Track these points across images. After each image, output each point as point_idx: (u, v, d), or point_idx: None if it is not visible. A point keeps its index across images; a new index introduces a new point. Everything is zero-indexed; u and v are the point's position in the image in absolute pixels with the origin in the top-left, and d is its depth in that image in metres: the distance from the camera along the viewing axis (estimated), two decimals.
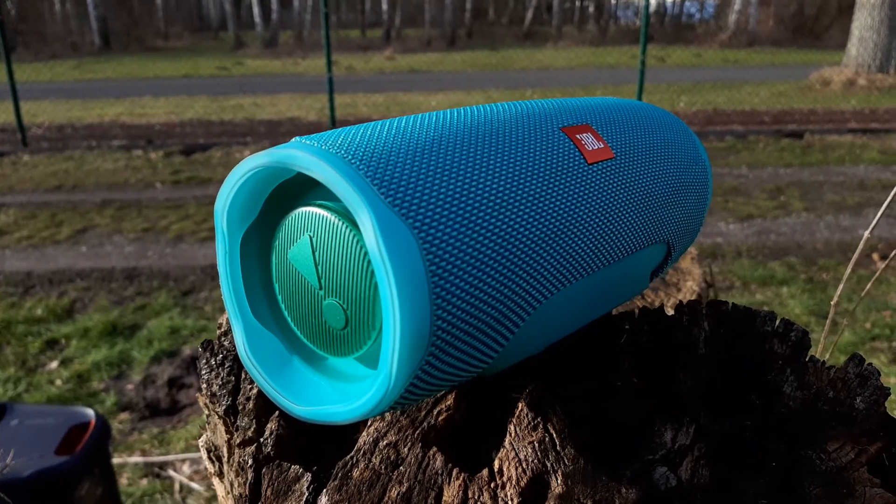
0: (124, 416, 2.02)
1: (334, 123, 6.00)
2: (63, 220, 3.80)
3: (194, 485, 1.71)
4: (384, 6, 21.36)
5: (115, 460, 1.71)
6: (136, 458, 1.81)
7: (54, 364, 2.27)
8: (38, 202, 4.17)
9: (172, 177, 4.75)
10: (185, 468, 1.78)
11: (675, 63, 12.06)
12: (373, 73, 11.49)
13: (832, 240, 3.33)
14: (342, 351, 0.33)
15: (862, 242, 0.67)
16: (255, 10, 20.86)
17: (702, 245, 3.27)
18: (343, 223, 0.31)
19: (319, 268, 0.32)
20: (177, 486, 1.71)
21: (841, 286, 0.69)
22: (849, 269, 0.60)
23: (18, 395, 2.07)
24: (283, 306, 0.35)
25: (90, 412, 1.37)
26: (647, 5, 5.71)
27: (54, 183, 4.64)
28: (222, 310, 2.66)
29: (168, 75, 11.46)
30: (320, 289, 0.33)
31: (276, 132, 6.24)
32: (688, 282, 0.80)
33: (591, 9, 22.84)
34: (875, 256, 3.05)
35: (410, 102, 7.80)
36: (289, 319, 0.35)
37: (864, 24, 8.68)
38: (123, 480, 1.72)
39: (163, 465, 1.79)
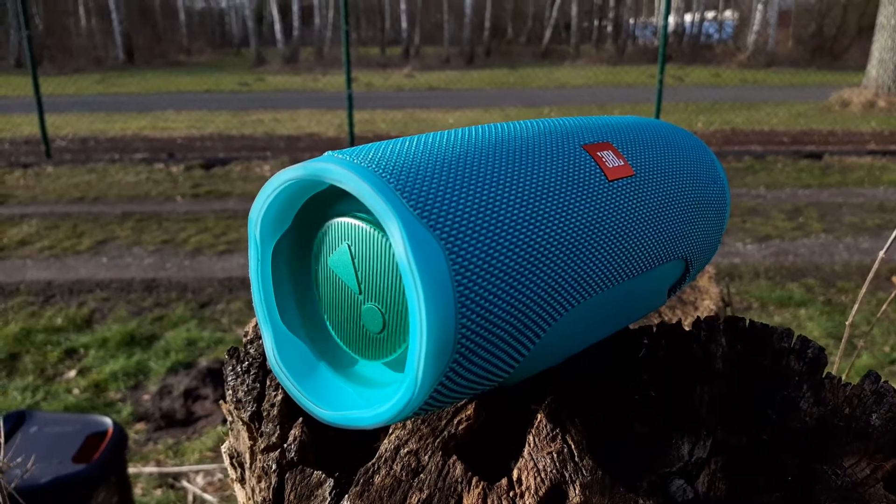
0: (140, 426, 2.03)
1: (353, 139, 6.05)
2: (84, 231, 3.86)
3: (207, 496, 1.72)
4: (404, 24, 21.56)
5: (130, 470, 1.72)
6: (151, 469, 1.82)
7: (72, 373, 2.30)
8: (61, 213, 4.24)
9: (192, 190, 4.81)
10: (199, 479, 1.79)
11: (694, 82, 12.05)
12: (392, 90, 11.58)
13: (851, 262, 3.30)
14: (378, 354, 0.35)
15: (877, 263, 0.67)
16: (277, 26, 21.13)
17: (719, 265, 3.25)
18: (379, 233, 0.32)
19: (359, 274, 0.34)
20: (190, 498, 1.72)
21: (856, 307, 0.69)
22: (863, 290, 0.60)
23: (36, 404, 2.10)
24: (323, 311, 0.37)
25: (108, 420, 1.38)
26: (666, 25, 5.73)
27: (77, 194, 4.71)
28: (239, 322, 2.68)
29: (190, 90, 11.62)
30: (360, 293, 0.34)
31: (296, 147, 6.31)
32: (705, 300, 0.80)
33: (609, 28, 22.91)
34: (895, 280, 3.02)
35: (428, 119, 7.85)
36: (328, 323, 0.37)
37: (884, 46, 8.64)
38: (138, 490, 1.74)
39: (177, 476, 1.80)
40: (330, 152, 0.32)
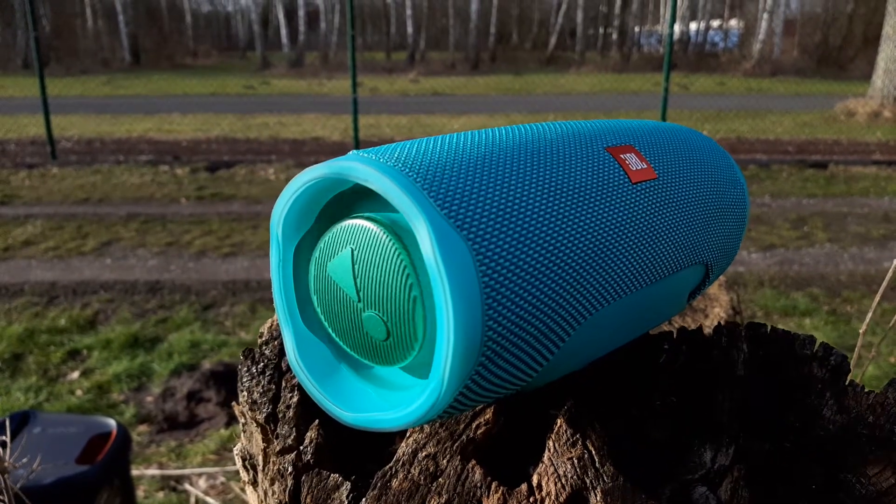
0: (143, 428, 2.03)
1: (358, 144, 6.06)
2: (89, 233, 3.86)
3: (210, 500, 1.72)
4: (409, 29, 21.61)
5: (133, 472, 1.72)
6: (154, 471, 1.82)
7: (75, 374, 2.30)
8: (66, 214, 4.24)
9: (197, 192, 4.81)
10: (202, 482, 1.79)
11: (699, 91, 12.06)
12: (397, 95, 11.61)
13: (856, 272, 3.29)
14: (388, 361, 0.34)
15: (892, 269, 0.67)
16: (283, 31, 21.20)
17: (725, 273, 3.24)
18: (387, 235, 0.31)
19: (358, 281, 0.33)
20: (192, 501, 1.71)
21: (869, 315, 0.68)
22: (878, 296, 0.60)
23: (39, 404, 2.10)
24: (322, 318, 0.36)
25: (112, 422, 1.38)
26: (671, 33, 5.73)
27: (82, 195, 4.72)
28: (242, 325, 2.68)
29: (196, 93, 11.66)
30: (359, 301, 0.33)
31: (300, 151, 6.31)
32: (715, 308, 0.80)
33: (615, 35, 22.95)
34: None
35: (433, 124, 7.86)
36: (330, 331, 0.36)
37: (889, 56, 8.64)
38: (140, 493, 1.73)
39: (179, 479, 1.80)
40: (355, 151, 0.32)
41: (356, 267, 0.33)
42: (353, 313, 0.34)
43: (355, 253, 0.33)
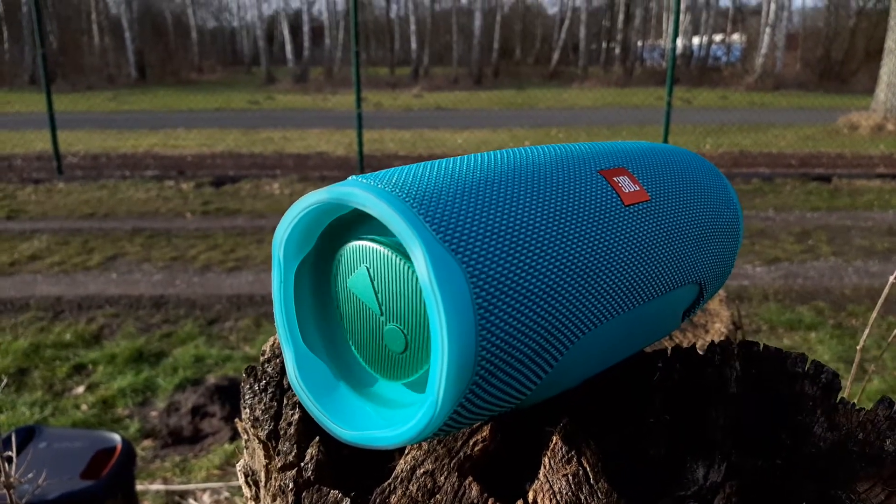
0: (147, 443, 2.03)
1: (362, 158, 6.09)
2: (94, 247, 3.88)
3: None
4: (413, 45, 21.75)
5: (138, 487, 1.72)
6: (158, 486, 1.82)
7: (81, 389, 2.31)
8: (71, 229, 4.27)
9: (202, 207, 4.84)
10: (206, 498, 1.79)
11: (702, 105, 12.09)
12: (401, 110, 11.66)
13: (861, 285, 3.29)
14: (400, 374, 0.35)
15: (888, 287, 0.67)
16: (287, 46, 21.35)
17: (728, 287, 3.24)
18: (397, 256, 0.33)
19: (379, 295, 0.34)
20: None
21: (867, 331, 0.69)
22: (875, 313, 0.60)
23: (44, 419, 2.10)
24: (346, 331, 0.37)
25: (116, 437, 1.39)
26: (674, 48, 5.76)
27: (87, 210, 4.75)
28: (247, 339, 2.69)
29: (201, 108, 11.73)
30: (381, 314, 0.35)
31: (305, 165, 6.35)
32: (716, 323, 0.81)
33: (617, 50, 23.05)
34: None
35: (437, 139, 7.89)
36: (351, 344, 0.38)
37: (892, 70, 8.66)
38: None
39: (183, 494, 1.80)
40: (354, 177, 0.33)
41: (375, 283, 0.34)
42: (375, 326, 0.35)
43: (371, 271, 0.34)
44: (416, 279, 0.32)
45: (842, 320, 2.87)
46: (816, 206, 4.89)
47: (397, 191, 0.31)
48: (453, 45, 22.79)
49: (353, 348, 0.37)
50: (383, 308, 0.34)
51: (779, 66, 17.47)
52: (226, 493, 1.79)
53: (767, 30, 17.17)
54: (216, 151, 7.17)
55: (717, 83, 16.65)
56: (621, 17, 22.85)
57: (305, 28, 21.70)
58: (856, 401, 0.68)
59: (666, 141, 5.99)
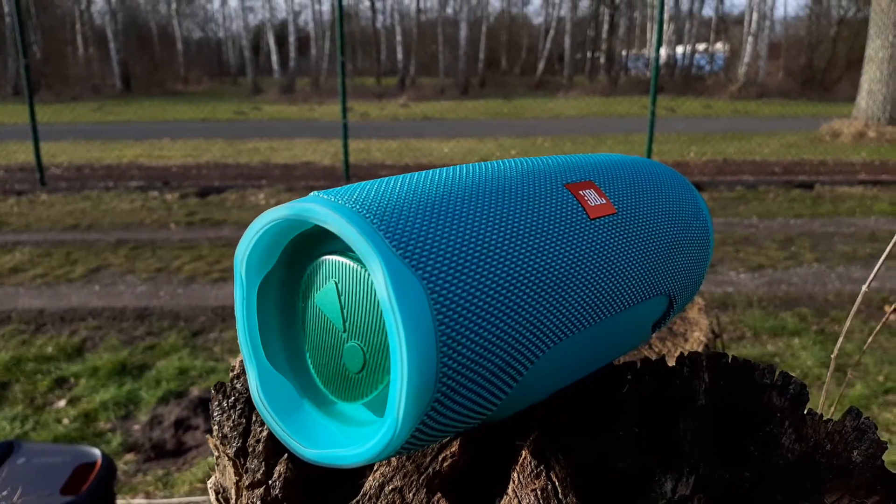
0: (130, 456, 2.01)
1: (348, 168, 6.08)
2: (78, 259, 3.85)
3: None
4: (399, 55, 21.80)
5: (119, 502, 1.70)
6: (140, 500, 1.80)
7: (62, 403, 2.28)
8: (54, 241, 4.23)
9: (187, 218, 4.81)
10: None
11: (686, 113, 12.19)
12: (387, 120, 11.67)
13: (844, 291, 3.32)
14: (354, 395, 0.35)
15: (860, 296, 0.68)
16: (274, 57, 21.34)
17: (713, 294, 3.26)
18: (365, 271, 0.33)
19: (345, 311, 0.34)
20: None
21: (840, 338, 0.69)
22: (849, 321, 0.61)
23: (25, 433, 2.08)
24: (307, 349, 0.37)
25: (96, 452, 1.37)
26: (658, 57, 5.81)
27: (70, 222, 4.71)
28: (232, 351, 2.67)
29: (187, 118, 11.69)
30: (344, 331, 0.34)
31: (291, 175, 6.33)
32: (695, 332, 0.81)
33: (602, 60, 23.20)
34: (887, 308, 3.03)
35: (424, 149, 7.90)
36: (309, 362, 0.37)
37: (873, 77, 8.78)
38: None
39: None
40: (315, 193, 0.33)
41: (342, 298, 0.34)
42: (336, 344, 0.35)
43: (339, 286, 0.34)
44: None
45: (825, 326, 2.89)
46: (799, 212, 4.93)
47: (357, 207, 0.31)
48: (439, 55, 22.87)
49: (311, 367, 0.37)
50: (347, 325, 0.34)
51: (762, 75, 17.65)
52: None
53: (750, 39, 17.36)
54: (201, 162, 7.14)
55: (700, 92, 16.79)
56: (606, 26, 23.02)
57: (291, 38, 21.70)
58: (834, 406, 0.68)
59: (650, 149, 6.02)
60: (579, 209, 0.37)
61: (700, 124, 9.97)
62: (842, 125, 8.82)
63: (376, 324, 0.33)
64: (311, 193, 0.33)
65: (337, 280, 0.34)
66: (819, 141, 8.51)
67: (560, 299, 0.34)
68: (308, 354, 0.37)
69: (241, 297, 0.37)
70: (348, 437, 0.35)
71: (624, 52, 23.98)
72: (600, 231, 0.38)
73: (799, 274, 3.59)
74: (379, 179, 0.35)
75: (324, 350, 0.36)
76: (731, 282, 3.47)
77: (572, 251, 0.35)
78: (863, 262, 3.78)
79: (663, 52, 19.81)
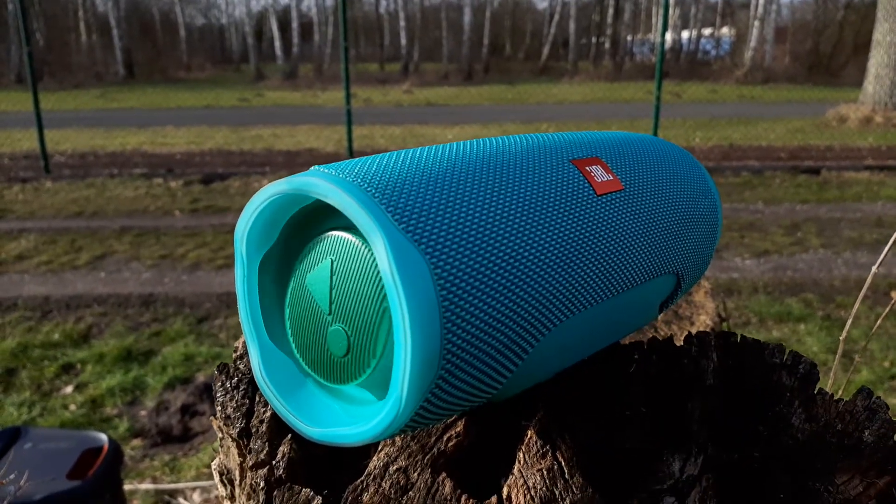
0: (136, 442, 2.02)
1: (352, 154, 6.07)
2: (82, 246, 3.86)
3: None
4: (403, 41, 21.69)
5: (126, 487, 1.71)
6: (147, 485, 1.81)
7: (69, 389, 2.29)
8: (59, 228, 4.24)
9: (191, 205, 4.81)
10: (196, 497, 1.78)
11: (691, 99, 12.11)
12: (391, 106, 11.63)
13: (850, 277, 3.30)
14: (341, 378, 0.34)
15: (869, 278, 0.67)
16: (277, 43, 21.26)
17: (717, 280, 3.25)
18: (366, 246, 0.32)
19: (333, 292, 0.33)
20: None
21: (849, 322, 0.69)
22: (857, 305, 0.60)
23: (32, 419, 2.09)
24: (289, 331, 0.36)
25: (103, 437, 1.37)
26: (663, 42, 5.76)
27: (75, 209, 4.71)
28: (237, 337, 2.67)
29: (190, 106, 11.67)
30: (329, 314, 0.34)
31: (294, 162, 6.32)
32: (701, 315, 0.80)
33: (607, 45, 23.05)
34: (894, 294, 3.01)
35: (427, 135, 7.88)
36: (292, 345, 0.37)
37: (880, 62, 8.70)
38: None
39: (173, 493, 1.79)
40: (316, 167, 0.32)
41: (334, 278, 0.33)
42: (320, 327, 0.34)
43: (335, 264, 0.33)
44: (377, 273, 0.31)
45: (830, 312, 2.88)
46: (805, 198, 4.90)
47: (359, 181, 0.30)
48: (443, 40, 22.75)
49: (294, 351, 0.36)
50: (333, 307, 0.33)
51: (768, 60, 17.51)
52: (215, 492, 1.78)
53: (756, 23, 17.21)
54: (205, 149, 7.13)
55: (706, 77, 16.68)
56: (611, 11, 22.86)
57: (294, 24, 21.60)
58: (840, 391, 0.68)
59: (655, 135, 5.99)
60: (586, 185, 0.37)
61: (705, 109, 9.91)
62: (848, 110, 8.76)
63: (365, 306, 0.32)
64: (312, 168, 0.32)
65: (334, 257, 0.33)
66: (825, 126, 8.45)
67: (566, 276, 0.34)
68: (291, 338, 0.36)
69: (242, 274, 0.36)
70: (351, 415, 0.35)
71: (629, 37, 23.80)
72: (607, 207, 0.37)
73: (805, 260, 3.58)
74: (381, 154, 0.34)
75: (307, 333, 0.35)
76: (736, 267, 3.46)
77: (579, 227, 0.35)
78: (869, 247, 3.76)
79: (669, 36, 19.67)
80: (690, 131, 7.86)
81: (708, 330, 0.76)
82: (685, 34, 22.33)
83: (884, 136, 7.58)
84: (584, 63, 22.27)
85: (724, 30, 23.00)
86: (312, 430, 0.34)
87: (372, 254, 0.31)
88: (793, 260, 3.58)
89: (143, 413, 2.15)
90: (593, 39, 23.84)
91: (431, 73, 19.32)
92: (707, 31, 23.28)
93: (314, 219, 0.36)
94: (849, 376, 0.74)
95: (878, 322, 0.65)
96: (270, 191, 0.33)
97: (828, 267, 3.46)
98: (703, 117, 8.92)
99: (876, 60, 8.77)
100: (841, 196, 4.95)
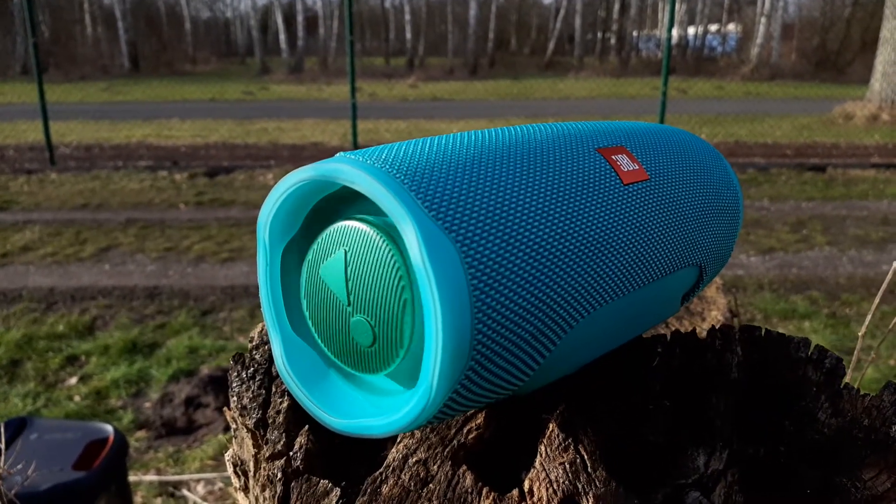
0: (141, 434, 2.02)
1: (356, 148, 6.06)
2: (87, 238, 3.86)
3: None
4: (408, 35, 21.66)
5: (131, 478, 1.71)
6: (151, 477, 1.81)
7: (74, 380, 2.29)
8: (64, 220, 4.24)
9: (196, 198, 4.81)
10: (200, 488, 1.78)
11: (697, 95, 12.08)
12: (396, 101, 11.61)
13: (855, 274, 3.29)
14: (370, 368, 0.33)
15: (890, 273, 0.67)
16: (282, 36, 21.24)
17: (723, 276, 3.24)
18: (381, 237, 0.31)
19: (350, 283, 0.32)
20: None
21: (868, 318, 0.68)
22: (878, 299, 0.60)
23: (37, 410, 2.09)
24: (309, 323, 0.36)
25: (108, 428, 1.37)
26: (670, 38, 5.74)
27: (80, 201, 4.71)
28: (241, 330, 2.67)
29: (195, 99, 11.66)
30: (349, 305, 0.33)
31: (300, 156, 6.32)
32: (712, 311, 0.79)
33: (613, 40, 22.99)
34: None
35: (433, 130, 7.86)
36: (316, 337, 0.36)
37: (887, 60, 8.66)
38: (138, 499, 1.72)
39: (177, 485, 1.79)
40: (342, 153, 0.32)
41: (349, 269, 0.32)
42: (341, 318, 0.34)
43: (349, 255, 0.32)
44: (395, 265, 0.30)
45: (836, 310, 2.87)
46: (811, 195, 4.88)
47: (387, 167, 0.30)
48: (449, 35, 22.70)
49: (319, 342, 0.35)
50: (352, 298, 0.32)
51: (774, 57, 17.45)
52: (220, 484, 1.78)
53: (763, 20, 17.14)
54: (210, 142, 7.13)
55: (712, 73, 16.62)
56: (617, 6, 22.78)
57: (300, 18, 21.56)
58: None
59: None
60: (612, 174, 0.36)
61: (712, 106, 9.87)
62: (855, 107, 8.72)
63: (385, 297, 0.31)
64: (338, 154, 0.32)
65: (347, 248, 0.32)
66: (832, 123, 8.42)
67: (595, 266, 0.33)
68: (313, 329, 0.35)
69: (265, 262, 0.35)
70: (375, 406, 0.34)
71: (635, 33, 23.73)
72: (634, 197, 0.36)
73: (810, 257, 3.57)
74: (405, 141, 0.34)
75: (329, 324, 0.34)
76: (741, 264, 3.45)
77: (607, 217, 0.34)
78: (875, 245, 3.75)
79: (675, 32, 19.60)
80: (696, 128, 7.83)
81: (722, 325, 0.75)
82: (691, 30, 22.27)
83: (890, 134, 7.55)
84: (590, 58, 22.22)
85: (731, 26, 22.92)
86: (337, 422, 0.34)
87: (387, 244, 0.31)
88: (798, 257, 3.56)
89: (147, 405, 2.16)
90: (599, 35, 23.78)
91: (437, 68, 19.29)
92: (714, 27, 23.20)
93: (334, 210, 0.35)
94: (861, 375, 0.74)
95: (894, 323, 0.64)
96: (296, 177, 0.32)
97: (833, 264, 3.45)
98: (709, 114, 8.89)
99: (883, 58, 8.72)
100: (847, 193, 4.93)
